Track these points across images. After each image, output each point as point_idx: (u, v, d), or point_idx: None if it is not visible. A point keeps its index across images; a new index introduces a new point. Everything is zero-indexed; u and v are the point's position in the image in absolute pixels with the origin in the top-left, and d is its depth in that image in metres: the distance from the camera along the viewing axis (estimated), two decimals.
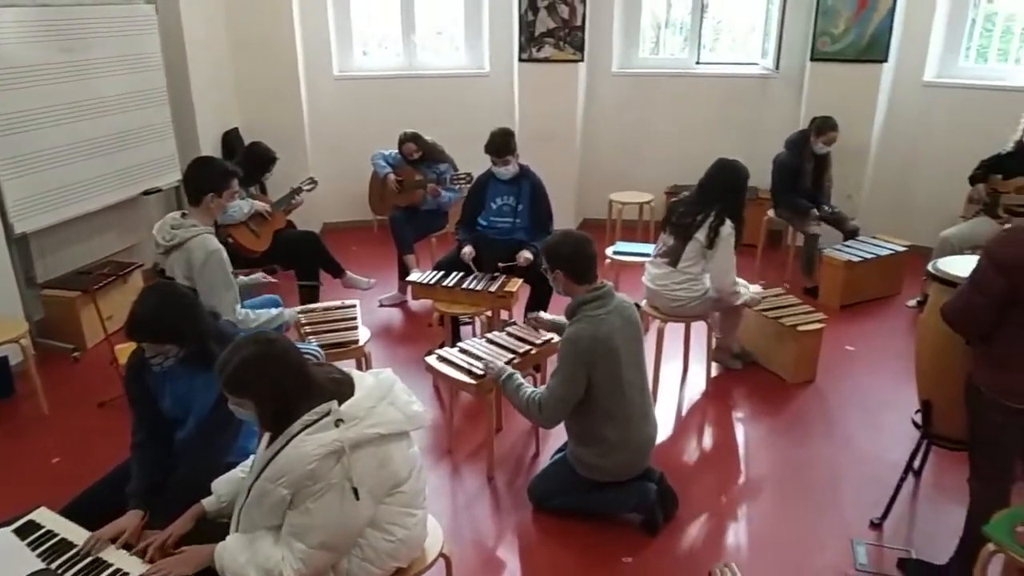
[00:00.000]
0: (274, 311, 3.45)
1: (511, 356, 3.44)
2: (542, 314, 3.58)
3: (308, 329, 3.75)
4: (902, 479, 3.11)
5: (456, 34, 6.82)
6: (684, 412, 4.05)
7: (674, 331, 4.33)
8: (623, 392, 2.94)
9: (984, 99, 5.48)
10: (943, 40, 5.72)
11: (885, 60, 5.55)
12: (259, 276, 3.87)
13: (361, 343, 3.68)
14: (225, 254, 3.32)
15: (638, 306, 4.26)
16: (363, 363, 3.69)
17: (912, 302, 5.12)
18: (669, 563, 2.95)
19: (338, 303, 4.06)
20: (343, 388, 2.03)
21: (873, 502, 3.18)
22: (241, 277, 3.76)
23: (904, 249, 5.23)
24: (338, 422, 1.94)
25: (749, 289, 4.08)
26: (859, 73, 5.61)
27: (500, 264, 4.31)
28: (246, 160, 4.90)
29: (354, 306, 4.00)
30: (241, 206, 4.54)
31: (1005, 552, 2.32)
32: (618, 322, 2.93)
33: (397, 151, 5.36)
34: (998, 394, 2.44)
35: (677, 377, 4.35)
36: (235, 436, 2.45)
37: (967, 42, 5.76)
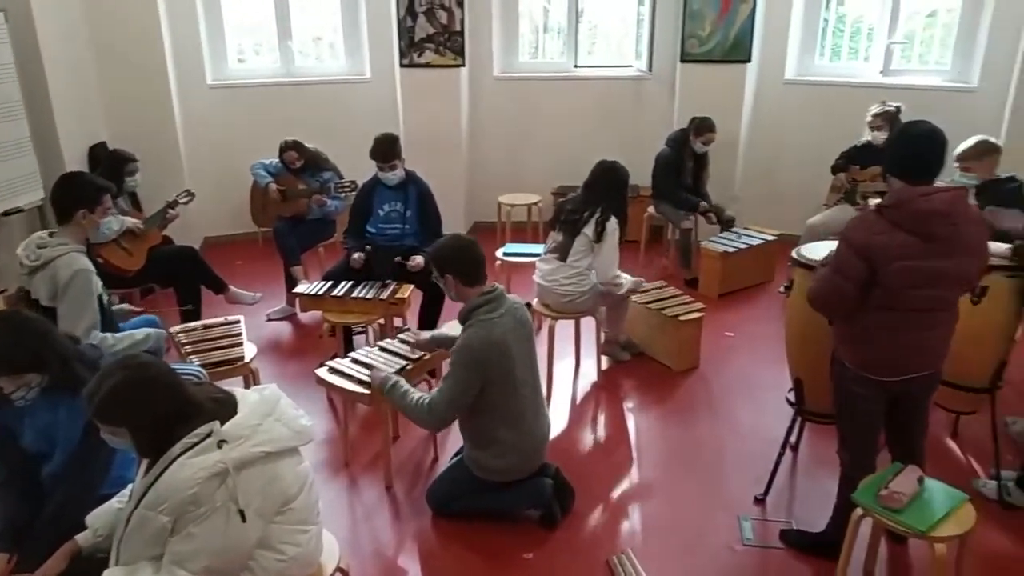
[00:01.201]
0: (138, 334, 3.26)
1: (404, 363, 3.43)
2: (422, 334, 3.59)
3: (189, 348, 3.61)
4: (780, 455, 3.30)
5: (335, 40, 6.72)
6: (578, 406, 4.14)
7: (565, 328, 4.43)
8: (517, 392, 2.98)
9: (839, 95, 5.87)
10: (800, 41, 6.10)
11: (749, 60, 5.87)
12: (124, 307, 3.67)
13: (247, 360, 3.57)
14: (94, 275, 3.14)
15: (529, 306, 4.35)
16: (250, 380, 3.58)
17: (781, 288, 5.43)
18: (569, 556, 3.01)
19: (221, 319, 3.93)
20: (225, 408, 1.97)
21: (756, 478, 3.36)
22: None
23: (774, 238, 5.54)
24: (221, 443, 1.88)
25: (629, 279, 4.23)
26: (726, 73, 5.91)
27: (397, 259, 4.28)
28: (105, 169, 4.65)
29: (238, 322, 3.88)
30: (110, 223, 4.31)
31: (871, 515, 2.50)
32: (511, 324, 2.97)
33: (278, 160, 5.23)
34: (860, 368, 2.63)
35: (570, 373, 4.44)
36: (108, 466, 2.32)
37: (821, 42, 6.16)
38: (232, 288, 4.89)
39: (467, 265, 2.99)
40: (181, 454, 1.87)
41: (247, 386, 3.53)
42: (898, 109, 4.97)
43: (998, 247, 3.02)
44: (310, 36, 6.85)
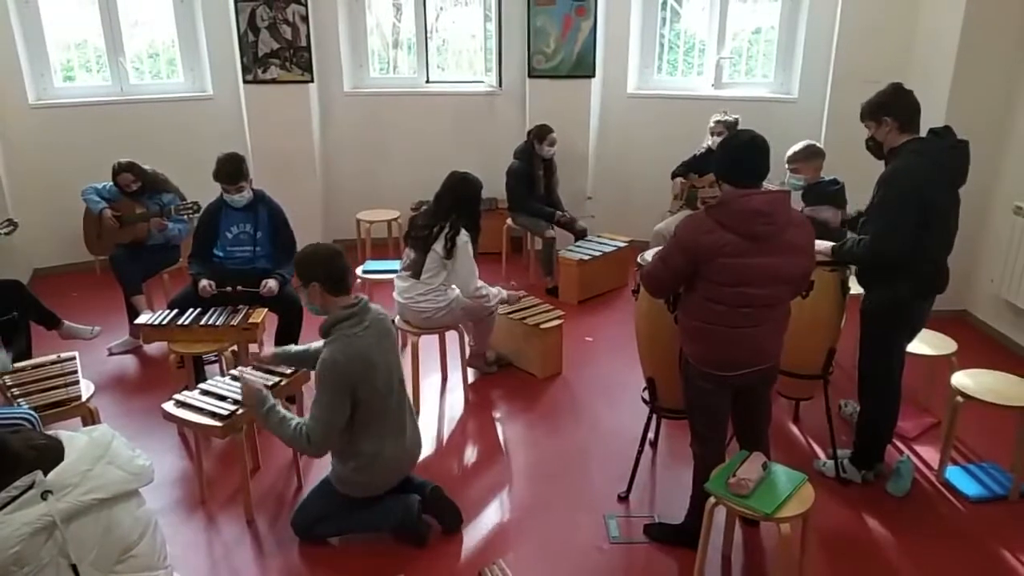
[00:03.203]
0: None
1: None
2: (263, 352, 3.46)
3: (16, 391, 3.30)
4: (639, 452, 3.42)
5: (174, 56, 6.39)
6: (447, 422, 4.13)
7: (430, 343, 4.40)
8: (380, 404, 2.94)
9: (677, 107, 6.20)
10: (639, 56, 6.40)
11: (593, 75, 6.08)
12: None
13: (84, 399, 3.31)
14: None
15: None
16: (89, 420, 3.32)
17: (632, 291, 5.67)
18: (442, 572, 2.98)
19: (53, 357, 3.62)
20: (49, 454, 1.81)
21: (619, 477, 3.46)
22: None
23: (625, 244, 5.77)
24: (45, 494, 1.72)
25: (493, 290, 4.25)
26: (572, 87, 6.09)
27: (239, 287, 4.10)
28: None
29: (73, 358, 3.59)
30: None
31: (723, 503, 2.64)
32: (374, 337, 2.92)
33: (112, 183, 4.90)
34: (702, 365, 2.77)
35: (437, 388, 4.42)
36: None
37: (659, 58, 6.50)
38: (66, 323, 4.54)
39: (335, 272, 2.92)
40: None
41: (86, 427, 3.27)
42: (736, 121, 5.30)
43: (821, 244, 3.29)
44: (145, 51, 6.49)
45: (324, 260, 2.94)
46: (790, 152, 4.06)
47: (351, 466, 2.99)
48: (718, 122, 5.34)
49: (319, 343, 3.06)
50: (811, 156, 4.05)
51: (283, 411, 2.98)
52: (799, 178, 4.03)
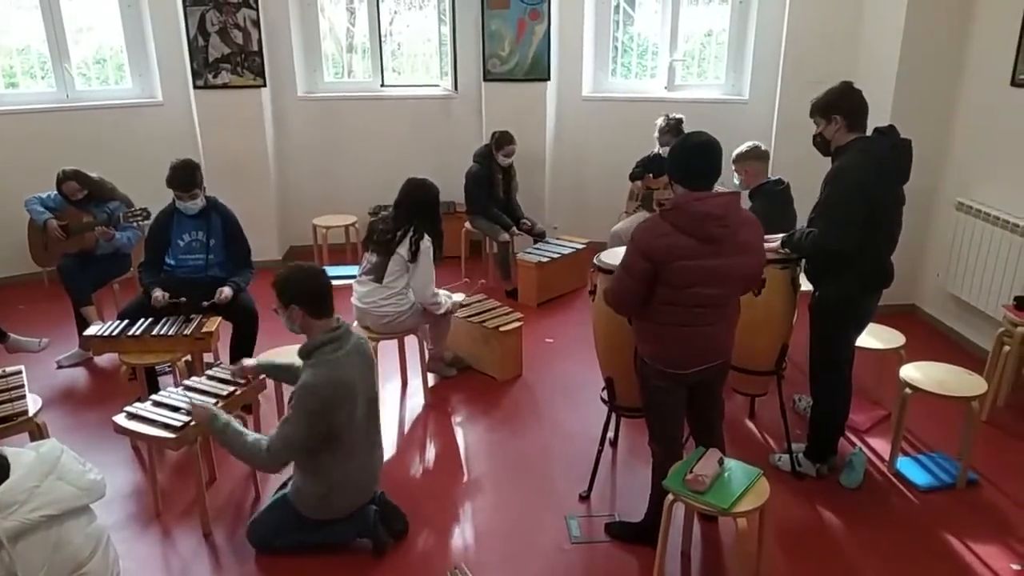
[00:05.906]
0: None
1: (215, 400, 3.23)
2: (246, 361, 3.40)
3: None
4: (599, 452, 3.44)
5: (122, 61, 6.26)
6: (407, 427, 4.11)
7: (389, 348, 4.38)
8: (354, 428, 2.90)
9: (631, 109, 6.26)
10: (593, 60, 6.45)
11: (548, 79, 6.12)
12: None
13: (31, 414, 3.22)
14: None
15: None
16: (37, 436, 3.22)
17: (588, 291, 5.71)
18: None
19: None
20: None
21: (580, 477, 3.48)
22: None
23: (583, 246, 5.82)
24: None
25: (451, 298, 4.27)
26: (528, 91, 6.12)
27: (204, 302, 4.03)
28: None
29: (19, 372, 3.48)
30: None
31: (681, 500, 2.67)
32: (356, 360, 2.88)
33: (56, 192, 4.77)
34: (657, 363, 2.81)
35: (397, 393, 4.40)
36: None
37: (613, 61, 6.56)
38: (12, 335, 4.44)
39: (316, 296, 2.86)
40: None
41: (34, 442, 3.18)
42: (679, 120, 5.36)
43: (771, 237, 3.35)
44: (92, 57, 6.35)
45: (305, 281, 2.86)
46: (736, 152, 4.11)
47: (319, 492, 2.94)
48: (662, 132, 5.37)
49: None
50: (756, 157, 4.10)
51: (238, 426, 2.93)
52: (738, 179, 4.10)
